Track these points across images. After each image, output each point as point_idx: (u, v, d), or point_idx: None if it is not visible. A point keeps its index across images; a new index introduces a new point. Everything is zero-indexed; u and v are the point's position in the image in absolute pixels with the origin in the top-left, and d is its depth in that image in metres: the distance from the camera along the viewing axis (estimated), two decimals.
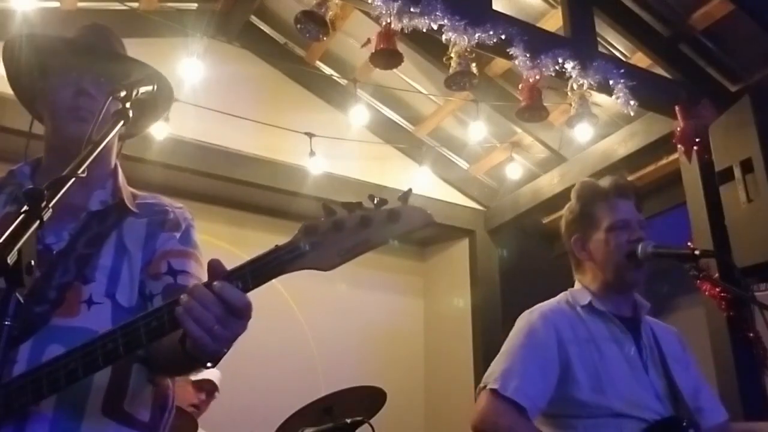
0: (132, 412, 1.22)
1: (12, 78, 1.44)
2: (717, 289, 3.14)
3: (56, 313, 1.19)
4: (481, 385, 1.80)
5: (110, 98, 1.18)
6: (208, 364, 1.06)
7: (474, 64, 3.35)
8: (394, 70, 3.63)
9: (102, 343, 1.03)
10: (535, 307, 1.95)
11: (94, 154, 1.08)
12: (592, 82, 3.26)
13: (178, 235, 1.37)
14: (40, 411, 1.11)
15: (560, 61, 3.18)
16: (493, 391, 1.73)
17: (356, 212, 1.00)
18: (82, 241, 1.28)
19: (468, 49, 3.21)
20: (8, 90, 1.46)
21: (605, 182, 2.00)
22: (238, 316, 0.99)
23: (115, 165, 1.45)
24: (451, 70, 3.35)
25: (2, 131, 3.32)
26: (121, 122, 1.16)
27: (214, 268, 1.01)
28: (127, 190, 1.42)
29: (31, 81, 1.41)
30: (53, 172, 1.34)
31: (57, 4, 3.66)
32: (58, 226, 1.28)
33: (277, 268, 1.01)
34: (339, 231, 1.00)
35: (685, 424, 1.77)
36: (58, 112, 1.34)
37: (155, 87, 1.28)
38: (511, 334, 1.89)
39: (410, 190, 1.04)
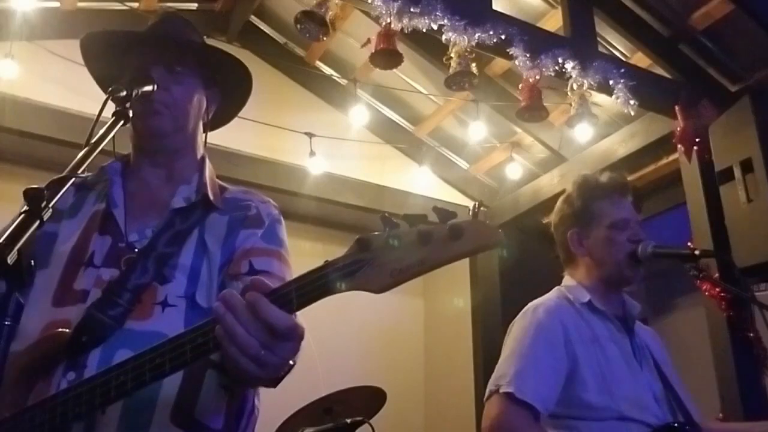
0: (203, 420, 1.15)
1: (95, 76, 1.45)
2: (717, 289, 3.13)
3: (130, 317, 1.15)
4: (492, 388, 1.71)
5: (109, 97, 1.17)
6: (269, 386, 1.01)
7: (474, 64, 3.35)
8: (394, 70, 3.63)
9: (151, 357, 0.97)
10: (535, 303, 1.88)
11: (93, 155, 1.08)
12: (592, 82, 3.26)
13: (260, 232, 1.30)
14: (107, 420, 1.07)
15: (560, 61, 3.18)
16: (508, 395, 1.65)
17: (415, 227, 0.88)
18: (164, 239, 1.23)
19: (468, 49, 3.21)
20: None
21: (605, 179, 1.99)
22: (285, 339, 0.91)
23: (203, 157, 1.44)
24: (451, 70, 3.35)
25: (2, 131, 3.33)
26: (121, 122, 1.16)
27: (257, 287, 0.93)
28: (214, 184, 1.38)
29: (111, 77, 1.38)
30: (140, 168, 1.36)
31: (57, 4, 3.66)
32: (143, 223, 1.26)
33: (324, 288, 0.91)
34: (393, 248, 0.88)
35: (688, 428, 1.76)
36: (135, 106, 1.29)
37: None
38: (516, 332, 1.82)
39: (480, 203, 0.92)
